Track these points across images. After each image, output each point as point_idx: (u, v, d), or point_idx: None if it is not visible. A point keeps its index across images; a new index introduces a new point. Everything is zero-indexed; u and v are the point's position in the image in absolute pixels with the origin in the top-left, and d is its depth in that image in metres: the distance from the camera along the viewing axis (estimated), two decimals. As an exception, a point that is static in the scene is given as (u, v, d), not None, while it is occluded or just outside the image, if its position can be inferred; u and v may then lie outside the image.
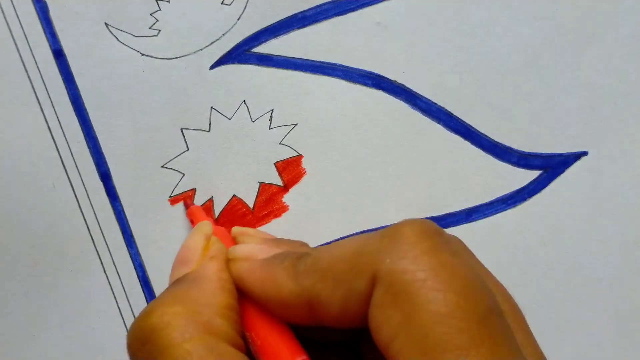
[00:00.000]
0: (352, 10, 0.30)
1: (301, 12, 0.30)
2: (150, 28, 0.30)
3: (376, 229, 0.32)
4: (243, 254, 0.25)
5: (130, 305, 0.31)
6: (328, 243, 0.32)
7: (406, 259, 0.19)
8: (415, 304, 0.18)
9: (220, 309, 0.22)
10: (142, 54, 0.30)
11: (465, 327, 0.18)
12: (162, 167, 0.31)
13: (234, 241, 0.28)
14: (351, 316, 0.20)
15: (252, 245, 0.25)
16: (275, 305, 0.23)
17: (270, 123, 0.31)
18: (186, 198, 0.31)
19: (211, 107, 0.31)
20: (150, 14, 0.30)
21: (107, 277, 0.31)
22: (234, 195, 0.31)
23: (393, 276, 0.19)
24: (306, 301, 0.21)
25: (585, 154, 0.32)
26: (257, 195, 0.31)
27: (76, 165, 0.30)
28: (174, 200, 0.31)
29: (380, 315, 0.19)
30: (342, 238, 0.32)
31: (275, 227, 0.32)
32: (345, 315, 0.21)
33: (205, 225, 0.27)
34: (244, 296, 0.24)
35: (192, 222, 0.30)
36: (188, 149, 0.31)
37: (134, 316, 0.32)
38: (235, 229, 0.29)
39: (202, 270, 0.24)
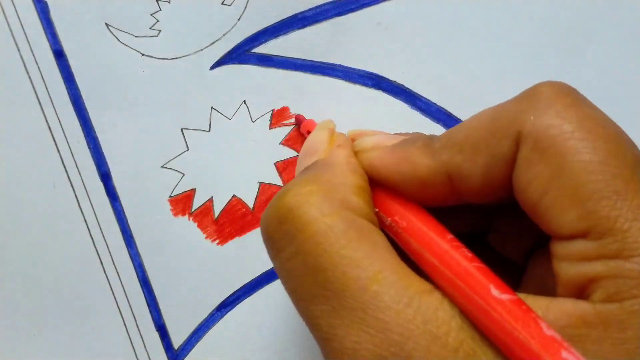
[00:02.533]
0: (352, 10, 0.30)
1: (301, 13, 0.30)
2: (150, 28, 0.30)
3: (376, 229, 0.32)
4: (371, 144, 0.24)
5: (130, 306, 0.31)
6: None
7: (550, 114, 0.19)
8: (566, 155, 0.18)
9: (353, 188, 0.22)
10: (143, 54, 0.30)
11: (619, 172, 0.18)
12: (162, 167, 0.31)
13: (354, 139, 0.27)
14: (494, 184, 0.20)
15: (380, 134, 0.25)
16: (413, 186, 0.22)
17: (270, 123, 0.31)
18: (297, 116, 0.30)
19: (211, 107, 0.31)
20: (151, 15, 0.30)
21: (107, 277, 0.31)
22: (234, 195, 0.31)
23: (539, 132, 0.19)
24: (445, 176, 0.21)
25: (585, 154, 0.32)
26: (257, 195, 0.31)
27: (76, 165, 0.30)
28: (173, 200, 0.31)
29: (527, 173, 0.19)
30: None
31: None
32: (488, 184, 0.20)
33: (330, 123, 0.27)
34: (376, 185, 0.23)
35: (305, 134, 0.30)
36: (188, 149, 0.31)
37: (134, 316, 0.32)
38: (352, 132, 0.28)
39: (331, 156, 0.24)
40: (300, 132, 0.31)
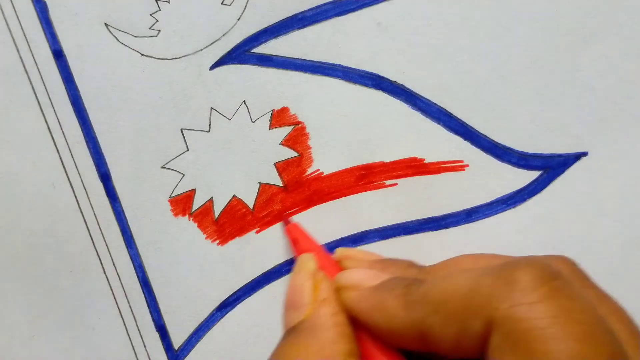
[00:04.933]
0: (352, 10, 0.30)
1: (301, 13, 0.30)
2: (150, 28, 0.30)
3: (376, 229, 0.32)
4: (351, 282, 0.25)
5: (130, 306, 0.31)
6: (329, 243, 0.32)
7: (524, 305, 0.19)
8: (536, 352, 0.18)
9: (345, 357, 0.23)
10: (142, 54, 0.30)
11: None
12: (162, 167, 0.31)
13: (338, 265, 0.28)
14: (465, 351, 0.21)
15: (360, 272, 0.26)
16: (387, 334, 0.23)
17: (270, 123, 0.31)
18: (284, 217, 0.31)
19: (211, 108, 0.31)
20: (150, 15, 0.30)
21: (107, 277, 0.31)
22: (234, 196, 0.31)
23: (511, 323, 0.19)
24: (417, 332, 0.22)
25: (585, 154, 0.32)
26: (257, 195, 0.31)
27: (76, 165, 0.30)
28: (173, 201, 0.31)
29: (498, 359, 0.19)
30: (343, 238, 0.32)
31: (276, 228, 0.32)
32: (458, 349, 0.21)
33: (309, 261, 0.28)
34: (358, 325, 0.24)
35: (292, 239, 0.31)
36: (188, 150, 0.31)
37: (134, 317, 0.32)
38: (340, 252, 0.29)
39: (317, 317, 0.25)
40: (285, 233, 0.31)
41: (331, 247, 0.32)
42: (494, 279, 0.20)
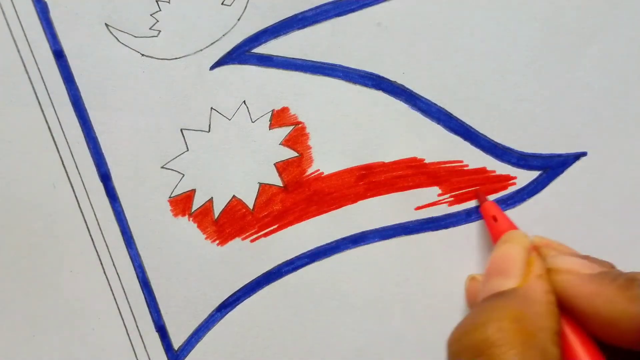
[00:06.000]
0: (353, 10, 0.30)
1: (301, 13, 0.30)
2: (150, 28, 0.30)
3: (376, 229, 0.32)
4: (567, 266, 0.24)
5: (130, 306, 0.31)
6: (327, 245, 0.32)
7: None
8: None
9: (552, 335, 0.22)
10: (142, 55, 0.30)
11: None
12: (162, 167, 0.31)
13: (539, 252, 0.27)
14: None
15: (574, 259, 0.25)
16: (603, 323, 0.22)
17: (270, 124, 0.31)
18: (480, 193, 0.31)
19: (211, 108, 0.31)
20: (151, 15, 0.30)
21: (106, 277, 0.31)
22: (234, 196, 0.31)
23: None
24: (638, 327, 0.21)
25: (584, 154, 0.32)
26: (257, 195, 0.31)
27: (76, 165, 0.30)
28: (173, 201, 0.31)
29: None
30: (343, 238, 0.32)
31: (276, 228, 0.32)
32: None
33: (524, 237, 0.27)
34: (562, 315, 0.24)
35: (489, 217, 0.30)
36: (188, 150, 0.31)
37: (134, 317, 0.32)
38: (537, 240, 0.28)
39: (532, 289, 0.24)
40: (480, 211, 0.31)
41: (331, 247, 0.32)
42: None
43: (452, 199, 0.32)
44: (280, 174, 0.31)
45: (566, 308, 0.23)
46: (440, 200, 0.32)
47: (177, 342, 0.32)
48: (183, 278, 0.31)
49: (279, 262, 0.32)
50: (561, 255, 0.25)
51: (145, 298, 0.31)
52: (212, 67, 0.30)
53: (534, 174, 0.32)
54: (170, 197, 0.31)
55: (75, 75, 0.30)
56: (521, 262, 0.25)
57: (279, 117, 0.31)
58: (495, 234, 0.29)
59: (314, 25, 0.30)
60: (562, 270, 0.24)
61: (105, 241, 0.31)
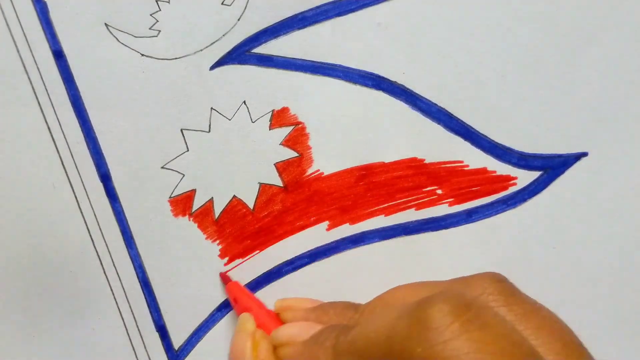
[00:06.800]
0: (353, 10, 0.30)
1: (301, 13, 0.30)
2: (150, 29, 0.30)
3: (376, 229, 0.32)
4: (286, 338, 0.26)
5: (130, 306, 0.31)
6: (328, 245, 0.32)
7: (438, 345, 0.19)
8: None
9: None
10: (142, 55, 0.30)
11: None
12: (162, 167, 0.31)
13: (278, 318, 0.29)
14: None
15: (293, 327, 0.27)
16: None
17: (271, 124, 0.31)
18: (223, 275, 0.31)
19: (211, 108, 0.31)
20: (150, 15, 0.30)
21: (107, 278, 0.31)
22: (234, 196, 0.31)
23: None
24: None
25: (585, 154, 0.32)
26: (257, 196, 0.31)
27: (76, 165, 0.30)
28: (174, 201, 0.31)
29: None
30: (343, 238, 0.32)
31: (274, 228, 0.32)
32: None
33: (247, 322, 0.29)
34: None
35: (231, 298, 0.31)
36: (188, 150, 0.31)
37: (134, 317, 0.32)
38: (278, 304, 0.30)
39: None
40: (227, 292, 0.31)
41: (331, 247, 0.32)
42: (409, 321, 0.20)
43: (452, 199, 0.32)
44: (280, 174, 0.31)
45: None
46: (440, 201, 0.32)
47: (177, 342, 0.32)
48: (183, 278, 0.31)
49: (279, 262, 0.32)
50: (282, 327, 0.27)
51: (145, 298, 0.31)
52: (212, 67, 0.30)
53: (535, 174, 0.32)
54: (170, 197, 0.31)
55: (75, 76, 0.30)
56: (248, 351, 0.27)
57: (279, 117, 0.31)
58: (238, 317, 0.30)
59: (314, 25, 0.30)
60: (282, 343, 0.26)
61: (105, 241, 0.31)
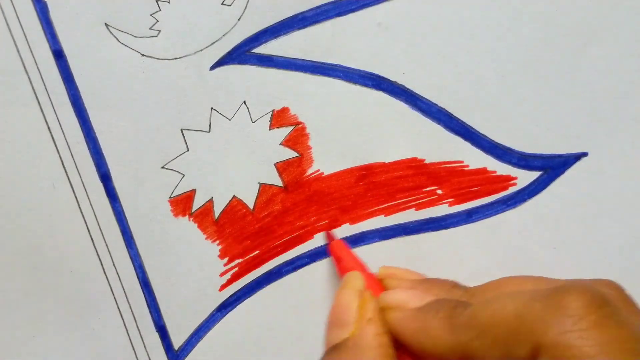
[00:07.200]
0: (353, 11, 0.30)
1: (302, 13, 0.30)
2: (150, 29, 0.30)
3: (376, 229, 0.32)
4: (396, 302, 0.25)
5: (130, 306, 0.31)
6: (326, 248, 0.32)
7: (573, 332, 0.19)
8: None
9: None
10: (142, 55, 0.30)
11: None
12: (162, 167, 0.31)
13: (381, 284, 0.28)
14: None
15: (404, 292, 0.26)
16: (430, 356, 0.23)
17: (271, 124, 0.31)
18: (328, 233, 0.31)
19: (211, 108, 0.31)
20: (151, 15, 0.30)
21: (107, 278, 0.31)
22: (234, 196, 0.31)
23: (560, 350, 0.19)
24: (462, 355, 0.22)
25: (585, 154, 0.32)
26: (257, 196, 0.31)
27: (76, 165, 0.30)
28: (174, 201, 0.31)
29: None
30: (344, 238, 0.32)
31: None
32: None
33: (357, 279, 0.28)
34: (399, 344, 0.24)
35: (335, 257, 0.31)
36: (188, 150, 0.31)
37: (134, 317, 0.32)
38: (383, 271, 0.29)
39: (361, 337, 0.25)
40: (329, 250, 0.31)
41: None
42: (544, 304, 0.20)
43: (453, 199, 0.32)
44: (280, 174, 0.31)
45: (403, 343, 0.24)
46: (440, 201, 0.32)
47: (177, 342, 0.32)
48: (183, 278, 0.31)
49: (279, 262, 0.32)
50: (391, 291, 0.26)
51: (145, 298, 0.31)
52: (212, 67, 0.30)
53: (535, 175, 0.32)
54: (170, 197, 0.31)
55: (75, 75, 0.30)
56: (354, 309, 0.26)
57: (279, 117, 0.31)
58: (340, 275, 0.30)
59: (314, 25, 0.30)
60: (391, 306, 0.25)
61: (105, 241, 0.31)
